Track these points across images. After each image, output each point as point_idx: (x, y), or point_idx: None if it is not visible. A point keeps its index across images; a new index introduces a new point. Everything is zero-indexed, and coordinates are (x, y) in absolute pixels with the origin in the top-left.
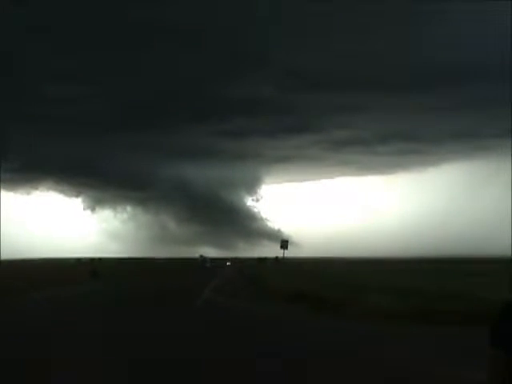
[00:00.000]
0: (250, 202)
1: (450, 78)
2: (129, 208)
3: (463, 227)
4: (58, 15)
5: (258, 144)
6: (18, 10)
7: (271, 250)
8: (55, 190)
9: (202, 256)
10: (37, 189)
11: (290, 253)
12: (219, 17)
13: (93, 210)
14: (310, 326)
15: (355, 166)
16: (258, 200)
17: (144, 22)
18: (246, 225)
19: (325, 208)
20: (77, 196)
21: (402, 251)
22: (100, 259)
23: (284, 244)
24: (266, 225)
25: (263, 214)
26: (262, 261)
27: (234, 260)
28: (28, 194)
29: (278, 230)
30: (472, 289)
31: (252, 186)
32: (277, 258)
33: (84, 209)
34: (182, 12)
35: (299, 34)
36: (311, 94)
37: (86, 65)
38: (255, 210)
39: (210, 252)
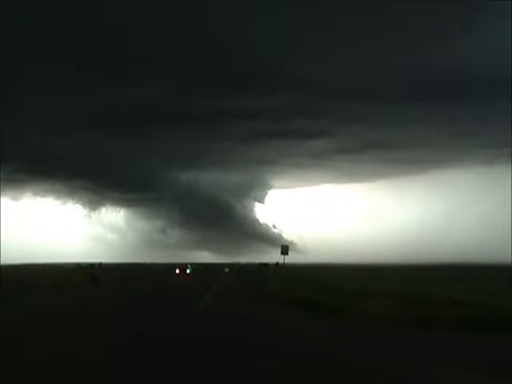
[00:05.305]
0: (250, 206)
1: (439, 89)
2: (127, 212)
3: (452, 234)
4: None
5: (246, 149)
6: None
7: (271, 256)
8: (49, 193)
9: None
10: (31, 192)
11: (290, 258)
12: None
13: (89, 214)
14: (308, 331)
15: (340, 173)
16: (261, 201)
17: (145, 27)
18: (245, 230)
19: (322, 214)
20: (73, 200)
21: (395, 258)
22: (100, 264)
23: (284, 250)
24: (265, 230)
25: (261, 219)
26: (263, 266)
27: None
28: (21, 198)
29: (279, 235)
30: (466, 295)
31: (250, 191)
32: (277, 263)
33: (81, 213)
34: (188, 20)
35: (300, 45)
36: (300, 102)
37: (78, 67)
38: (254, 214)
39: (209, 257)
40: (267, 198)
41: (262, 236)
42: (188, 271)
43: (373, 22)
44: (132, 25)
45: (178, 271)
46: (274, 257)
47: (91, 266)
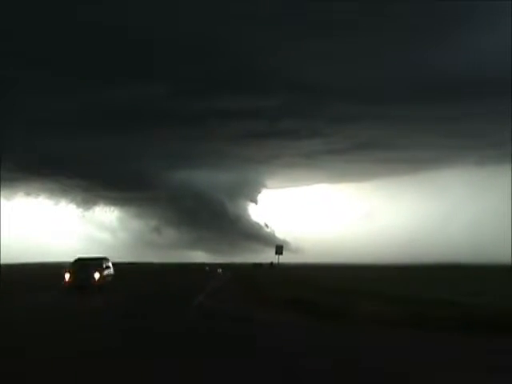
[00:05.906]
0: (244, 206)
1: (432, 90)
2: (121, 211)
3: (444, 234)
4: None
5: (240, 149)
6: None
7: (266, 256)
8: (42, 193)
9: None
10: (23, 192)
11: (284, 258)
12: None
13: (83, 213)
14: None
15: (333, 173)
16: (254, 201)
17: (139, 26)
18: (239, 230)
19: (315, 214)
20: (66, 199)
21: (389, 258)
22: None
23: (279, 249)
24: (259, 230)
25: (255, 219)
26: (257, 266)
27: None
28: (13, 198)
29: (272, 235)
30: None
31: (243, 191)
32: (272, 263)
33: (74, 213)
34: (183, 20)
35: (295, 46)
36: (291, 103)
37: (69, 67)
38: (248, 214)
39: (203, 257)
40: (260, 198)
41: (256, 236)
42: (97, 276)
43: (370, 22)
44: (128, 25)
45: (67, 277)
46: (268, 257)
47: None
